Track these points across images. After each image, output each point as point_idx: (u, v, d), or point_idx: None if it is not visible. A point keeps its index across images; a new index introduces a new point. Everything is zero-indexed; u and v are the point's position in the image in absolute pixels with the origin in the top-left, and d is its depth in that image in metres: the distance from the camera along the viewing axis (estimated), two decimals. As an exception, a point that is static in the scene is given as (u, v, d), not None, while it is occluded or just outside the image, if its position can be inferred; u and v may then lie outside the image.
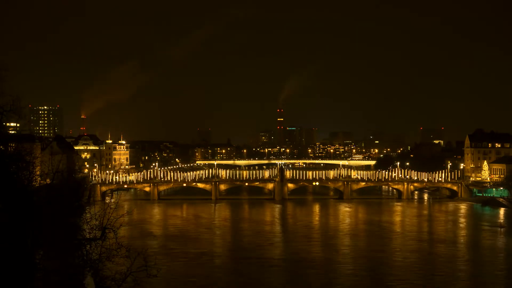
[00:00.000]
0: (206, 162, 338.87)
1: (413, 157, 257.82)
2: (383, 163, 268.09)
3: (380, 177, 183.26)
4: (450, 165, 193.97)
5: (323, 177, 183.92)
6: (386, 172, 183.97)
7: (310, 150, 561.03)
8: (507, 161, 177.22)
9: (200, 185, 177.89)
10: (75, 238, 39.72)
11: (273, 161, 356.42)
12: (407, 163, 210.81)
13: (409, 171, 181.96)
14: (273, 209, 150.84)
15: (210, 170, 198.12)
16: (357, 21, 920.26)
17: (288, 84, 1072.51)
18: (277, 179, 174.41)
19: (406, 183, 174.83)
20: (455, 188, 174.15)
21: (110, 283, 38.13)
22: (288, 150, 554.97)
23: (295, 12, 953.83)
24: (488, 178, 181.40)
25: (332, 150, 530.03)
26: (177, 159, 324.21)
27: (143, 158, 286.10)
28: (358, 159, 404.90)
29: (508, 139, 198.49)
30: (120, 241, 39.20)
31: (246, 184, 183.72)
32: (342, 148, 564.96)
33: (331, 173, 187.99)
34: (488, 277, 72.81)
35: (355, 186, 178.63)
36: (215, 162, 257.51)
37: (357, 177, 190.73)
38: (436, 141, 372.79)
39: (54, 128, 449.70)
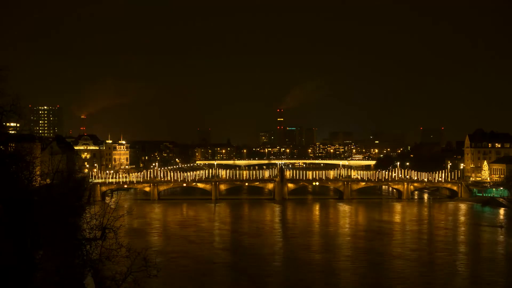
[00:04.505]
0: (206, 162, 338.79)
1: (413, 157, 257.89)
2: (383, 163, 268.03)
3: (380, 177, 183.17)
4: (450, 165, 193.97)
5: (323, 177, 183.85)
6: (386, 172, 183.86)
7: (310, 150, 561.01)
8: (507, 161, 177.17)
9: (200, 185, 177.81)
10: (75, 238, 39.76)
11: (273, 161, 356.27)
12: (407, 163, 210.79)
13: (409, 171, 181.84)
14: (273, 209, 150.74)
15: (210, 170, 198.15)
16: (356, 21, 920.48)
17: (288, 84, 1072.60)
18: (277, 179, 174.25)
19: (406, 183, 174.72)
20: (455, 188, 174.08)
21: (110, 283, 38.14)
22: (288, 150, 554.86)
23: (295, 13, 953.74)
24: (488, 178, 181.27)
25: (332, 150, 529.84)
26: (177, 159, 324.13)
27: (143, 158, 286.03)
28: (358, 159, 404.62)
29: (508, 139, 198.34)
30: (120, 241, 39.21)
31: (246, 184, 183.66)
32: (342, 148, 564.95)
33: (331, 173, 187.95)
34: (488, 277, 72.73)
35: (355, 186, 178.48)
36: (215, 162, 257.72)
37: (357, 177, 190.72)
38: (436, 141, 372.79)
39: (54, 128, 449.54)
